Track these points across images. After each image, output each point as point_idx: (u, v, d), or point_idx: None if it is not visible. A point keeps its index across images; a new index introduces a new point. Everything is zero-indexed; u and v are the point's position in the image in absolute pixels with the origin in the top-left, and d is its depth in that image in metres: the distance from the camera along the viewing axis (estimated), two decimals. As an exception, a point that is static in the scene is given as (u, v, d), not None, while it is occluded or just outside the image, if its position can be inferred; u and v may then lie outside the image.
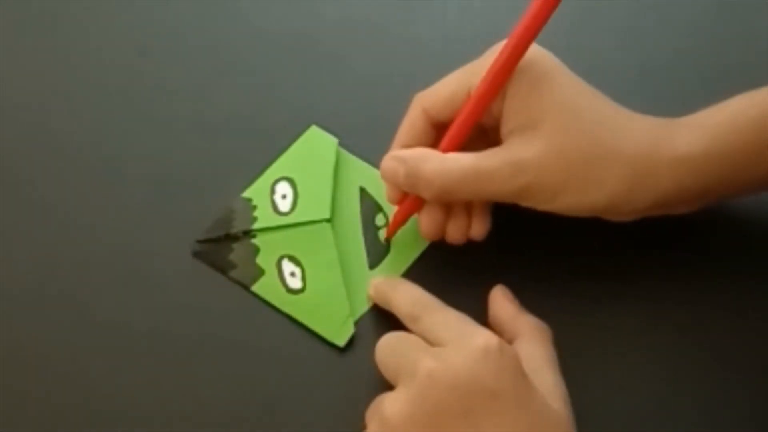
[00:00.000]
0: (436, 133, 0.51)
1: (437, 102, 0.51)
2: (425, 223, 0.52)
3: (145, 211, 0.55)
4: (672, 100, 0.52)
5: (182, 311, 0.53)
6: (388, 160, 0.51)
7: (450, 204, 0.52)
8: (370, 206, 0.55)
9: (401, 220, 0.53)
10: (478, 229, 0.52)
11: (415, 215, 0.53)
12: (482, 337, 0.44)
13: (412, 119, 0.52)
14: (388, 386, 0.46)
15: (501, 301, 0.51)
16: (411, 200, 0.52)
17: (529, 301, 0.51)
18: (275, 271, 0.53)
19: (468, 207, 0.52)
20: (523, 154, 0.48)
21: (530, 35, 0.47)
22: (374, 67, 0.60)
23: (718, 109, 0.50)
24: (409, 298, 0.50)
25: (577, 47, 0.50)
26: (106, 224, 0.55)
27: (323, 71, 0.60)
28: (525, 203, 0.50)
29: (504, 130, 0.49)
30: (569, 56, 0.50)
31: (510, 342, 0.48)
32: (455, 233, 0.52)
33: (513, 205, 0.50)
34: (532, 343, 0.48)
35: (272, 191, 0.55)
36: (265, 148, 0.57)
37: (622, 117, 0.50)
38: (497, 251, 0.53)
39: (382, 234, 0.55)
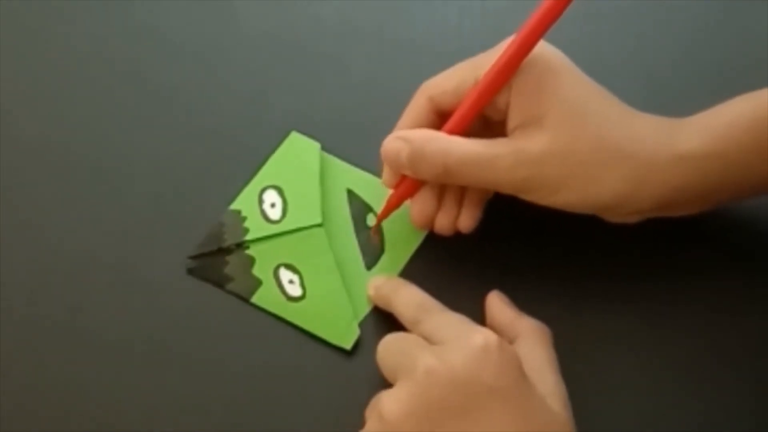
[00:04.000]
0: (439, 122, 0.51)
1: (444, 91, 0.51)
2: (416, 209, 0.52)
3: (135, 231, 0.55)
4: (673, 100, 0.52)
5: (184, 330, 0.52)
6: (392, 140, 0.51)
7: (442, 193, 0.52)
8: (359, 207, 0.55)
9: (395, 204, 0.53)
10: (467, 221, 0.52)
11: (407, 204, 0.53)
12: (482, 335, 0.44)
13: (417, 106, 0.52)
14: (391, 387, 0.46)
15: (498, 305, 0.51)
16: (406, 184, 0.52)
17: (527, 301, 0.51)
18: (273, 281, 0.53)
19: (459, 199, 0.52)
20: (528, 146, 0.48)
21: (540, 30, 0.47)
22: (355, 69, 0.60)
23: (720, 109, 0.50)
24: (410, 301, 0.50)
25: (580, 46, 0.50)
26: (97, 248, 0.54)
27: (301, 75, 0.60)
28: (526, 196, 0.50)
29: (510, 124, 0.49)
30: (572, 55, 0.50)
31: (510, 344, 0.47)
32: (444, 223, 0.52)
33: (512, 203, 0.50)
34: (532, 344, 0.48)
35: (260, 201, 0.55)
36: (247, 159, 0.57)
37: (628, 116, 0.50)
38: (495, 249, 0.54)
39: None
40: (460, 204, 0.52)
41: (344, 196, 0.56)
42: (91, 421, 0.50)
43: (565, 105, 0.48)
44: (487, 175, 0.49)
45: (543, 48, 0.49)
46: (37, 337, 0.52)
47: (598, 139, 0.48)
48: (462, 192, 0.52)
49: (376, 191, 0.54)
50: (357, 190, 0.56)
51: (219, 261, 0.54)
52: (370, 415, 0.47)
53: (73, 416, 0.50)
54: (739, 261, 0.54)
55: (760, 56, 0.59)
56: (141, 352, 0.52)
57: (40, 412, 0.50)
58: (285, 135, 0.57)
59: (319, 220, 0.54)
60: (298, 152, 0.57)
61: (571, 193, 0.49)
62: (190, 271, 0.53)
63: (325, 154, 0.57)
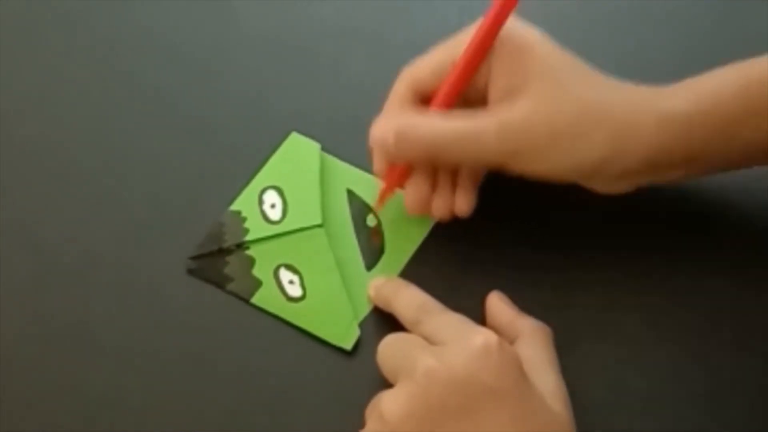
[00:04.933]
0: (422, 107, 0.51)
1: (424, 74, 0.51)
2: (410, 195, 0.52)
3: (135, 232, 0.55)
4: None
5: (184, 330, 0.52)
6: (377, 127, 0.51)
7: (435, 178, 0.52)
8: (359, 208, 0.56)
9: (388, 191, 0.53)
10: (463, 204, 0.52)
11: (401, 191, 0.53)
12: (482, 335, 0.44)
13: (399, 92, 0.52)
14: (391, 387, 0.46)
15: (498, 305, 0.51)
16: (398, 170, 0.52)
17: (527, 301, 0.51)
18: (273, 281, 0.53)
19: (453, 183, 0.52)
20: (512, 115, 0.49)
21: None
22: (355, 69, 0.60)
23: (705, 76, 0.51)
24: (410, 302, 0.50)
25: (579, 46, 0.50)
26: (96, 248, 0.54)
27: (300, 75, 0.60)
28: (512, 167, 0.50)
29: (492, 99, 0.50)
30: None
31: (510, 344, 0.48)
32: (440, 208, 0.52)
33: (512, 203, 0.50)
34: (533, 344, 0.48)
35: (260, 201, 0.55)
36: (247, 159, 0.57)
37: (609, 81, 0.50)
38: (495, 249, 0.54)
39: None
40: (454, 188, 0.53)
41: (344, 197, 0.56)
42: (91, 421, 0.50)
43: (545, 72, 0.49)
44: (473, 148, 0.49)
45: (517, 24, 0.49)
46: (37, 337, 0.52)
47: (580, 101, 0.49)
48: (454, 177, 0.52)
49: (376, 191, 0.54)
50: (357, 190, 0.56)
51: (219, 261, 0.54)
52: (371, 415, 0.47)
53: (74, 416, 0.50)
54: (739, 260, 0.54)
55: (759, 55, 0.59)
56: (141, 353, 0.52)
57: (39, 412, 0.50)
58: (285, 135, 0.57)
59: (319, 221, 0.54)
60: (298, 153, 0.57)
61: (555, 158, 0.49)
62: (190, 272, 0.54)
63: (325, 155, 0.57)
